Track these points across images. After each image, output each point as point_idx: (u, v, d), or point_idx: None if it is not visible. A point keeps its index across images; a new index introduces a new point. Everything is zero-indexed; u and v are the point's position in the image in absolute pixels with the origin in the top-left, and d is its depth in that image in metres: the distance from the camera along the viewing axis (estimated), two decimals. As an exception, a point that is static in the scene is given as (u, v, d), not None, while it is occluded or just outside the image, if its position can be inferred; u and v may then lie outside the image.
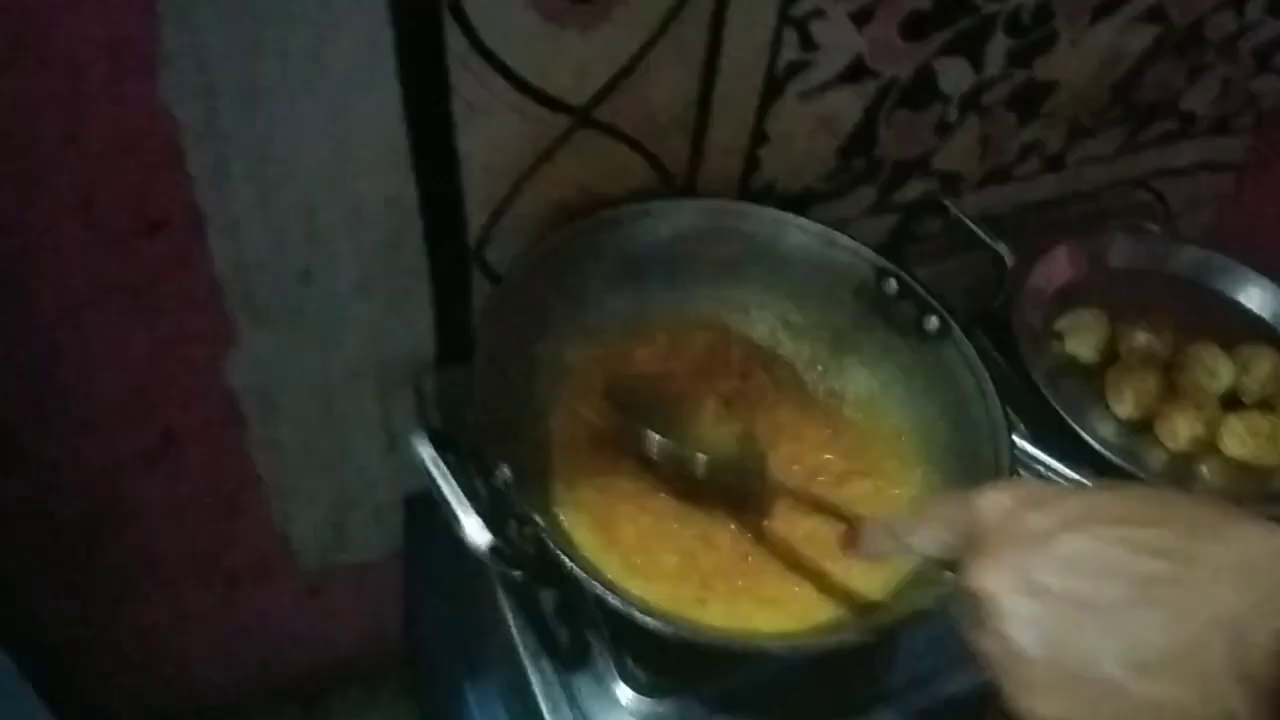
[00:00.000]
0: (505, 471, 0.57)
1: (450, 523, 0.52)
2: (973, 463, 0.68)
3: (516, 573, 0.54)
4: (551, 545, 0.55)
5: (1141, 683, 0.36)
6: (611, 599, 0.54)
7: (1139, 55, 0.86)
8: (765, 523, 0.66)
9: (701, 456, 0.63)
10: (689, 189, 0.75)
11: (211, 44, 0.53)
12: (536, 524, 0.55)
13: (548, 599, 0.67)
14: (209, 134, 0.56)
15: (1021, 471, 0.78)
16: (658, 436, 0.63)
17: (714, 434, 0.69)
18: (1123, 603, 0.37)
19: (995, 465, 0.65)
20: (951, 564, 0.46)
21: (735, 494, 0.66)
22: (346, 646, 1.06)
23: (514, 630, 0.66)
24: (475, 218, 0.69)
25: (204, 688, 1.01)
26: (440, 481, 0.52)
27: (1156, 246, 0.92)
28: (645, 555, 0.63)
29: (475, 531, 0.51)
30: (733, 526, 0.66)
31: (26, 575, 0.78)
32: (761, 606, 0.63)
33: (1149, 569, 0.37)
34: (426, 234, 0.68)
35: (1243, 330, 0.87)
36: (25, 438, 0.68)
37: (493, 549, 0.51)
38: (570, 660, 0.65)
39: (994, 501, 0.44)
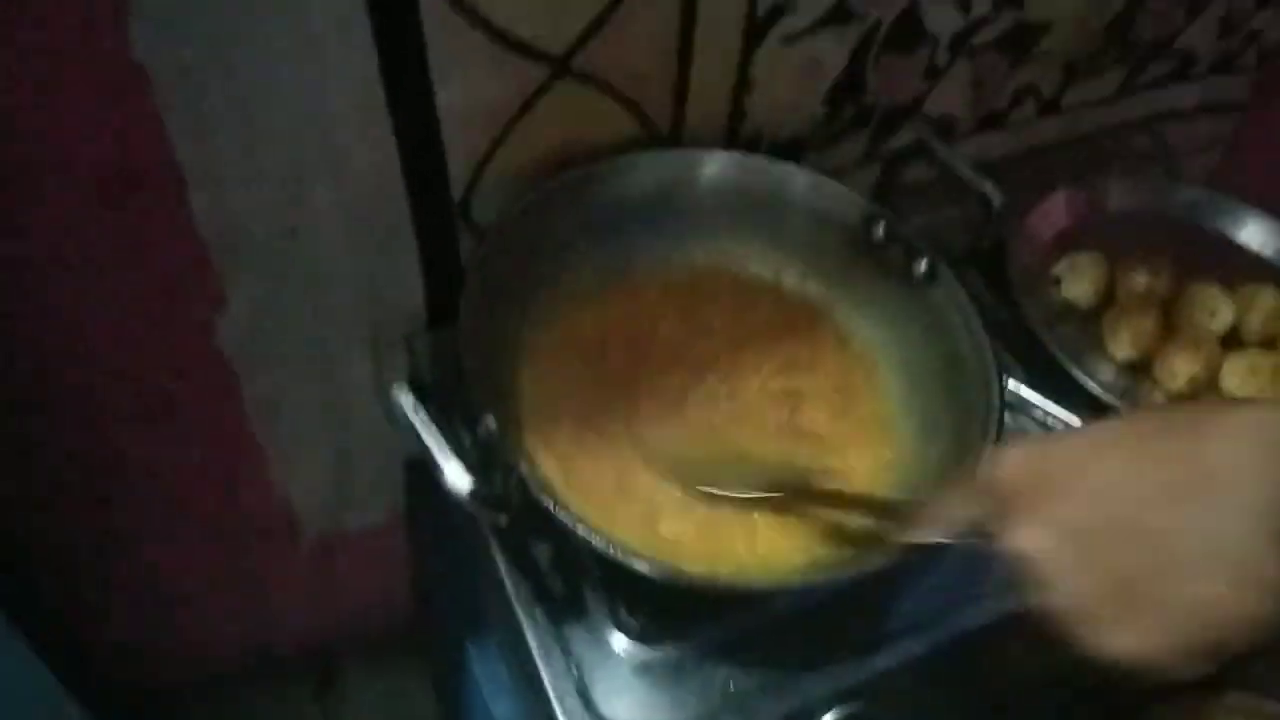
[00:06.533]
0: (490, 421, 0.57)
1: (432, 470, 0.52)
2: (965, 406, 0.67)
3: (501, 516, 0.54)
4: (535, 491, 0.55)
5: (1199, 585, 0.37)
6: (595, 540, 0.54)
7: (1133, -9, 0.85)
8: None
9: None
10: (674, 139, 0.75)
11: (180, -2, 0.53)
12: (518, 470, 0.55)
13: (542, 551, 0.67)
14: (184, 89, 0.56)
15: (1018, 416, 0.78)
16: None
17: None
18: (1161, 514, 0.38)
19: (986, 407, 0.64)
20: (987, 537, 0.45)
21: None
22: (356, 612, 1.06)
23: (508, 582, 0.66)
24: (458, 171, 0.69)
25: (213, 655, 1.03)
26: (420, 429, 0.52)
27: (1154, 188, 0.91)
28: (637, 496, 0.64)
29: (457, 477, 0.51)
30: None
31: (28, 541, 0.79)
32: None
33: (1171, 478, 0.38)
34: (409, 188, 0.68)
35: (1244, 269, 0.86)
36: (20, 399, 0.69)
37: (474, 494, 0.51)
38: (564, 610, 0.65)
39: (1010, 464, 0.44)
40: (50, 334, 0.66)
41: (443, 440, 0.52)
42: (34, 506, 0.77)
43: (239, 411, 0.77)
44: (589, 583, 0.66)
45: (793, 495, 0.64)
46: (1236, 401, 0.41)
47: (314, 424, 0.82)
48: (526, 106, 0.67)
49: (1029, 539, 0.42)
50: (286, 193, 0.64)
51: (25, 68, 0.52)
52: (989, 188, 0.69)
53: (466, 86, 0.64)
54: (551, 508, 0.55)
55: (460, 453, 0.53)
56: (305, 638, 1.07)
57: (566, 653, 0.63)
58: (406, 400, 0.53)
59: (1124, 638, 0.39)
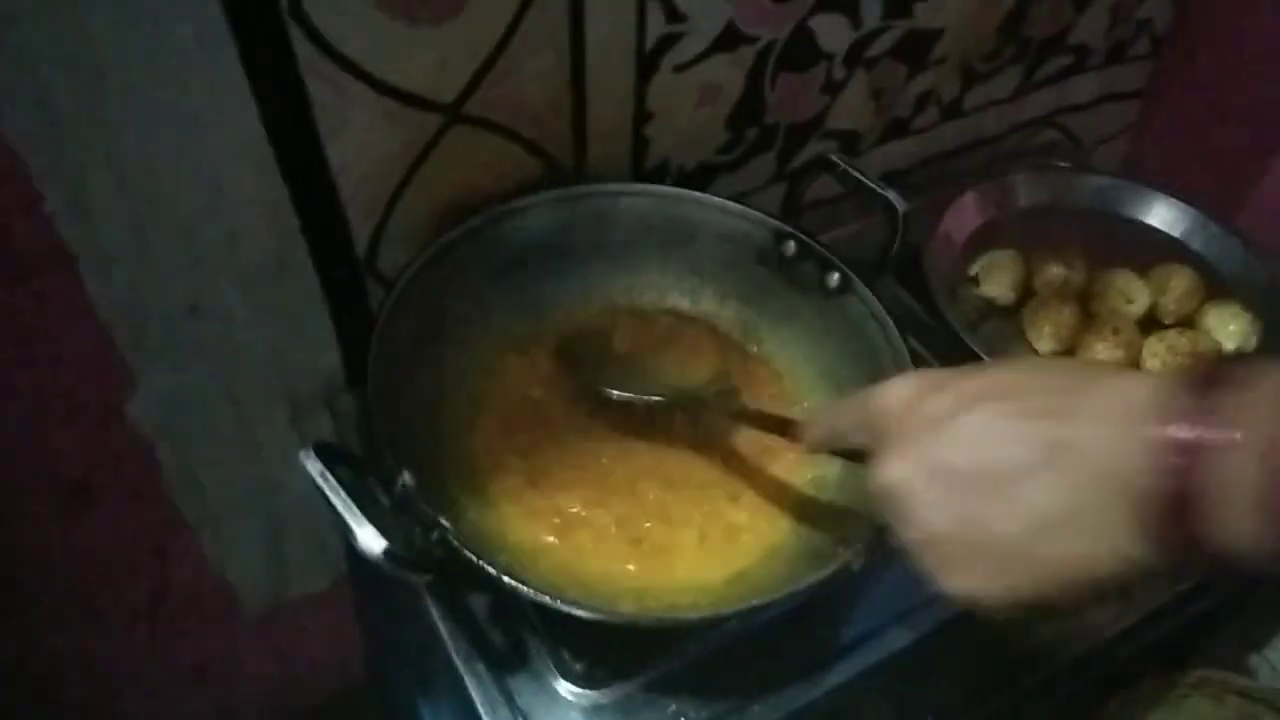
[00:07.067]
0: (406, 477, 0.56)
1: (346, 535, 0.50)
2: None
3: (423, 575, 0.53)
4: (456, 543, 0.54)
5: (1047, 544, 0.38)
6: (524, 588, 0.53)
7: (1020, -8, 0.86)
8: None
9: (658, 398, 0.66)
10: (579, 176, 0.75)
11: (49, 78, 0.52)
12: (440, 525, 0.54)
13: (480, 604, 0.66)
14: (62, 171, 0.55)
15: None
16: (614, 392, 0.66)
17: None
18: (1022, 470, 0.39)
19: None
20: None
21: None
22: (310, 679, 1.04)
23: (446, 638, 0.65)
24: (360, 229, 0.68)
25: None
26: (329, 493, 0.51)
27: (1061, 180, 0.92)
28: (569, 535, 0.63)
29: (369, 540, 0.50)
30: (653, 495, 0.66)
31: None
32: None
33: (1040, 433, 0.39)
34: (312, 251, 0.67)
35: (1155, 252, 0.87)
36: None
37: (388, 555, 0.50)
38: (506, 661, 0.64)
39: (894, 393, 0.46)
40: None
41: (351, 503, 0.51)
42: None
43: (162, 493, 0.75)
44: (529, 630, 0.65)
45: (695, 405, 0.67)
46: (1111, 369, 0.41)
47: (242, 497, 0.80)
48: (423, 156, 0.67)
49: (895, 470, 0.43)
50: (183, 268, 0.63)
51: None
52: (892, 196, 0.70)
53: (358, 142, 0.63)
54: (475, 560, 0.54)
55: (379, 514, 0.52)
56: (260, 711, 1.05)
57: (512, 704, 0.62)
58: (313, 465, 0.52)
59: (966, 578, 0.41)
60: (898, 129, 0.91)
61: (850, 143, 0.88)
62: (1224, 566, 0.35)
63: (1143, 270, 0.84)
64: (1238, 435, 0.34)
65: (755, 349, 0.75)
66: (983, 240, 0.88)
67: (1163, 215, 0.90)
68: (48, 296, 0.60)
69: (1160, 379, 0.37)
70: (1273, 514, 0.32)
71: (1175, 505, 0.35)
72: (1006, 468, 0.40)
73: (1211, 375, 0.36)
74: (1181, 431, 0.35)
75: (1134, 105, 1.08)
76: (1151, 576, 0.37)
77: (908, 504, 0.43)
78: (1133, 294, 0.82)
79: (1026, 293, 0.84)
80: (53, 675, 0.85)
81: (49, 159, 0.55)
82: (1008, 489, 0.39)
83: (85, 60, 0.52)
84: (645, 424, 0.68)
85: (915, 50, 0.85)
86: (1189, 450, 0.34)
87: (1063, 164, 0.97)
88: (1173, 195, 0.89)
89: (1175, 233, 0.89)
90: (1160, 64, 1.05)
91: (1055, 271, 0.83)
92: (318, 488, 0.52)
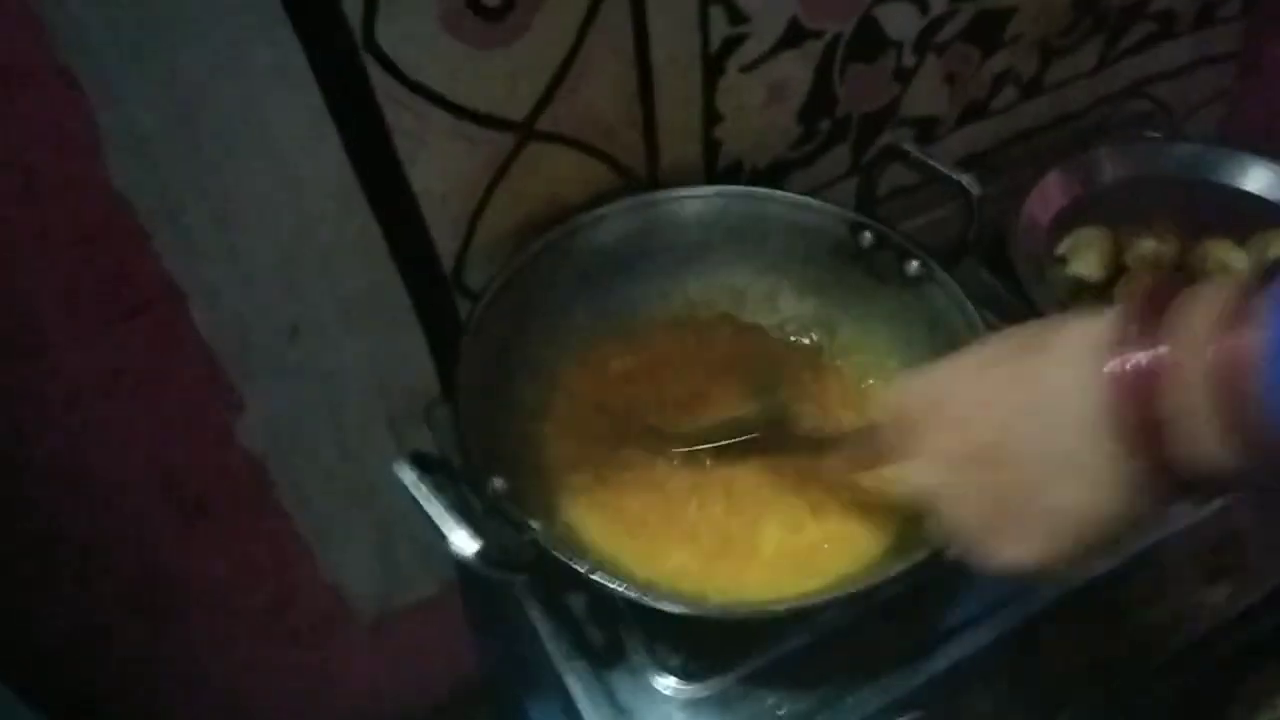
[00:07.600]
0: (496, 482, 0.58)
1: (442, 541, 0.53)
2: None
3: (515, 576, 0.55)
4: (548, 545, 0.56)
5: (1055, 496, 0.40)
6: (614, 584, 0.55)
7: (1094, -38, 0.85)
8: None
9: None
10: (652, 182, 0.76)
11: (144, 123, 0.55)
12: (531, 528, 0.56)
13: (577, 602, 0.68)
14: (165, 211, 0.59)
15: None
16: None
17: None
18: (1015, 440, 0.41)
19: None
20: None
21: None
22: (422, 682, 1.08)
23: (546, 637, 0.67)
24: (446, 247, 0.71)
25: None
26: (421, 501, 0.53)
27: (1150, 152, 0.89)
28: (655, 536, 0.64)
29: (462, 542, 0.52)
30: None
31: (83, 665, 0.82)
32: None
33: (1021, 400, 0.41)
34: (401, 271, 0.70)
35: (1254, 219, 0.84)
36: (58, 524, 0.72)
37: (480, 556, 0.52)
38: (605, 658, 0.66)
39: (891, 404, 0.49)
40: (82, 453, 0.69)
41: (443, 510, 0.53)
42: (88, 630, 0.80)
43: (275, 506, 0.80)
44: (625, 628, 0.66)
45: (765, 439, 0.67)
46: (1077, 315, 0.43)
47: (351, 508, 0.84)
48: (500, 173, 0.69)
49: (916, 475, 0.47)
50: (281, 295, 0.66)
51: (12, 203, 0.56)
52: (966, 180, 0.69)
53: (437, 164, 0.66)
54: (566, 559, 0.56)
55: (474, 519, 0.55)
56: (376, 715, 1.09)
57: (613, 701, 0.64)
58: (407, 474, 0.55)
59: (1009, 552, 0.43)
60: (976, 111, 0.90)
61: (927, 129, 0.87)
62: (1210, 489, 0.37)
63: (1241, 238, 0.81)
64: (1181, 358, 0.35)
65: (845, 341, 0.75)
66: (1070, 218, 0.86)
67: (1260, 180, 0.86)
68: (161, 328, 0.65)
69: (1114, 312, 0.39)
70: (1229, 430, 0.34)
71: (1142, 434, 0.36)
72: (1004, 437, 0.42)
73: (1156, 300, 0.37)
74: (1129, 363, 0.36)
75: (1228, 69, 1.04)
76: (1157, 508, 0.38)
77: (937, 501, 0.46)
78: (1231, 263, 0.79)
79: (1118, 269, 0.82)
80: (187, 678, 0.90)
81: (153, 200, 0.59)
82: (1012, 457, 0.42)
83: (175, 104, 0.56)
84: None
85: (987, 31, 0.84)
86: (1140, 379, 0.36)
87: (1154, 134, 0.94)
88: (1270, 158, 0.86)
89: (1273, 196, 0.86)
90: (1254, 24, 1.01)
91: (1147, 244, 0.81)
92: (410, 495, 0.54)
